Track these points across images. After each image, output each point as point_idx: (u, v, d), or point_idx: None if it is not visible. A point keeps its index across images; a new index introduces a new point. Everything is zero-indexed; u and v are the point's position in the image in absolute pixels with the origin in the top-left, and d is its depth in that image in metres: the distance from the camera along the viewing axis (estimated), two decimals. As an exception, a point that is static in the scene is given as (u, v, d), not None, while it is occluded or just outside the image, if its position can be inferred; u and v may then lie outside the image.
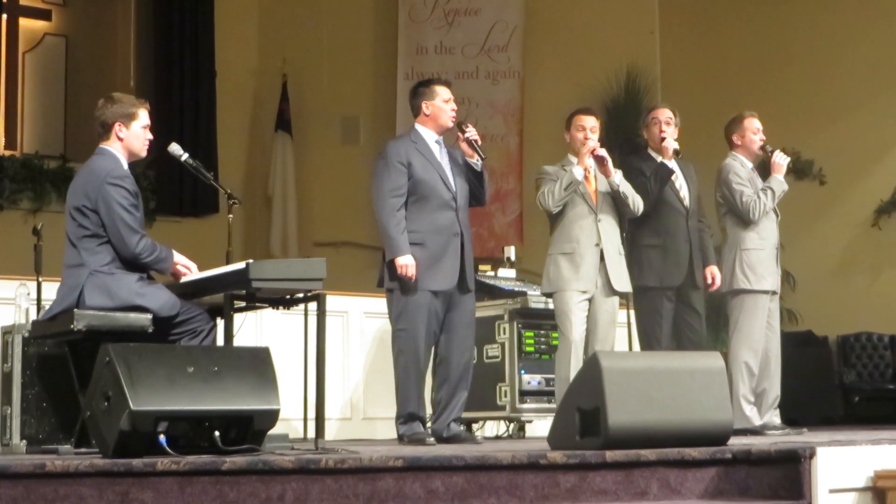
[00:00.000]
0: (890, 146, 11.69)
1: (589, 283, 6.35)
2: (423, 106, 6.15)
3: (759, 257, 6.70)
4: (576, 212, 6.41)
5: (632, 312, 6.99)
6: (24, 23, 11.56)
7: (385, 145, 6.23)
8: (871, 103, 11.66)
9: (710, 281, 6.79)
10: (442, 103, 6.14)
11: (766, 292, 6.69)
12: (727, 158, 6.87)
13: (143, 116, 5.28)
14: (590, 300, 6.37)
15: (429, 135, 6.16)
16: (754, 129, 6.87)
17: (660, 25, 12.21)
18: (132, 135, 5.24)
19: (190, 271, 5.31)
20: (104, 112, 5.24)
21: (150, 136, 5.32)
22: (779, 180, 6.77)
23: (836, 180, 11.75)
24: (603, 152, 6.41)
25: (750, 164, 6.88)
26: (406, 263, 5.90)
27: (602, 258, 6.39)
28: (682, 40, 12.27)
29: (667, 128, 6.81)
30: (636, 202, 6.51)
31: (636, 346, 7.07)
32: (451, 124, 6.14)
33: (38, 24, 11.65)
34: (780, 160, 6.79)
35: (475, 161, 6.10)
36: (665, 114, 6.87)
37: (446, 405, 6.06)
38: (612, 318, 6.47)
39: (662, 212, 6.73)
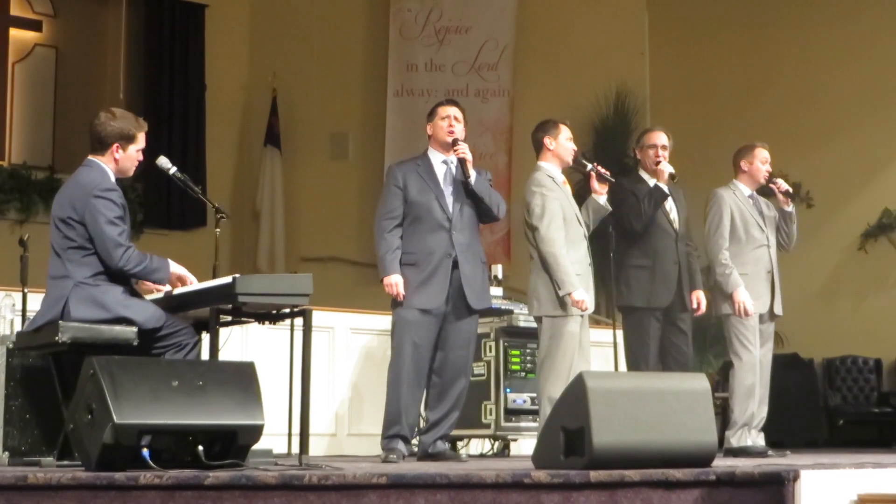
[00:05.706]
0: (877, 170, 11.74)
1: (590, 307, 6.32)
2: (428, 128, 6.26)
3: None
4: (575, 233, 6.27)
5: (618, 332, 6.98)
6: (15, 33, 11.57)
7: (391, 165, 6.36)
8: (859, 127, 11.72)
9: (695, 305, 6.79)
10: (439, 121, 6.19)
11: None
12: (722, 187, 6.94)
13: (140, 140, 5.22)
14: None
15: (436, 156, 6.21)
16: (763, 160, 6.96)
17: (649, 47, 12.29)
18: (127, 157, 5.19)
19: (188, 283, 5.26)
20: (105, 128, 5.16)
21: (142, 158, 5.30)
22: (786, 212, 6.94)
23: (823, 204, 11.79)
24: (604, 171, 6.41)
25: (748, 192, 6.95)
26: (392, 283, 5.99)
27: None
28: (671, 62, 12.33)
29: (663, 152, 6.82)
30: None
31: (622, 367, 7.05)
32: (448, 140, 6.14)
33: (29, 35, 11.66)
34: (780, 193, 6.92)
35: (468, 180, 6.10)
36: (662, 139, 6.85)
37: (436, 422, 6.09)
38: (588, 337, 6.45)
39: (652, 234, 6.74)
